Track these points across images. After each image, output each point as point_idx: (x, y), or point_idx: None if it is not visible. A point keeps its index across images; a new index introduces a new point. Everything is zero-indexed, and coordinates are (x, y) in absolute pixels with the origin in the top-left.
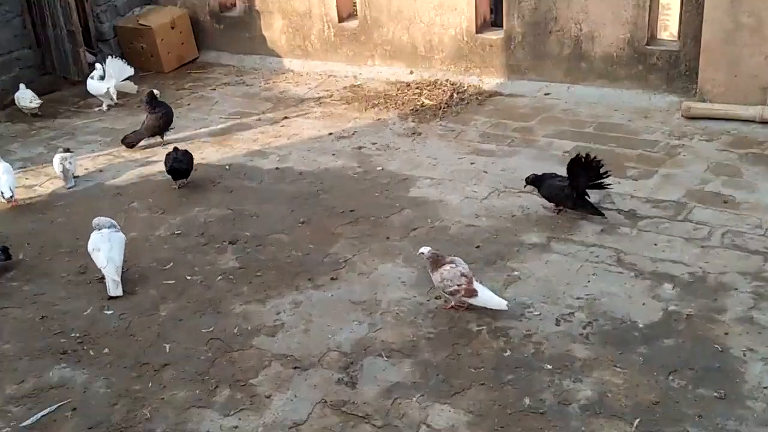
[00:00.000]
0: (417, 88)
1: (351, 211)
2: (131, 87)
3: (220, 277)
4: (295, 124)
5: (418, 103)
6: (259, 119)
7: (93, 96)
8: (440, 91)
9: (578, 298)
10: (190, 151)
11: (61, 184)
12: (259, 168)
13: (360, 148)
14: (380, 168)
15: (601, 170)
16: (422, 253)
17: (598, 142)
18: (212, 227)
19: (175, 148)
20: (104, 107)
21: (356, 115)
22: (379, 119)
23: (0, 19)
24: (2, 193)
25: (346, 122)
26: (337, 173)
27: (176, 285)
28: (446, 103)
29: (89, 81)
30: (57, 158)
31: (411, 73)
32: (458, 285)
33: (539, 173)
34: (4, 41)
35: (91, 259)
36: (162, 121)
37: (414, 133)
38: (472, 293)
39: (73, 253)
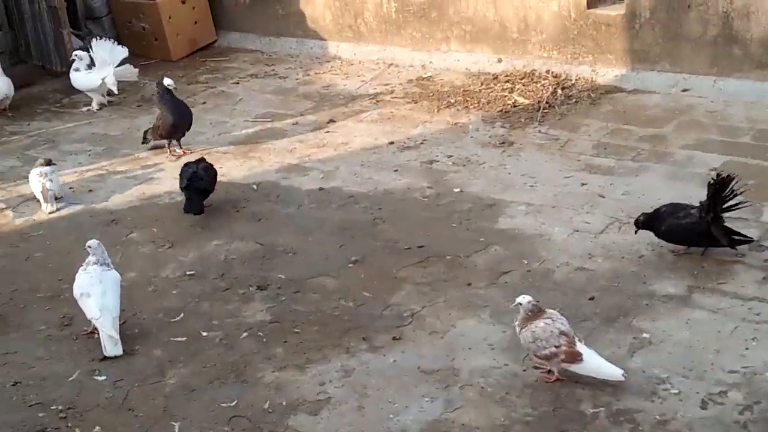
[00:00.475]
0: (507, 81)
1: (419, 247)
2: (131, 72)
3: (245, 334)
4: (345, 130)
5: (509, 101)
6: (297, 123)
7: (79, 92)
8: (539, 85)
9: (732, 372)
10: (209, 164)
11: (39, 207)
12: (296, 188)
13: (431, 162)
14: (458, 190)
15: (737, 189)
16: (519, 304)
17: (759, 155)
18: (235, 267)
19: (199, 160)
20: (94, 106)
21: (426, 118)
22: (456, 123)
23: None
24: None
25: (413, 127)
26: (400, 196)
27: (188, 343)
28: (547, 102)
29: (74, 74)
30: (34, 173)
31: (499, 61)
32: (556, 347)
33: (651, 209)
34: None
35: (78, 306)
36: (162, 125)
37: (504, 143)
38: (575, 358)
39: (54, 299)
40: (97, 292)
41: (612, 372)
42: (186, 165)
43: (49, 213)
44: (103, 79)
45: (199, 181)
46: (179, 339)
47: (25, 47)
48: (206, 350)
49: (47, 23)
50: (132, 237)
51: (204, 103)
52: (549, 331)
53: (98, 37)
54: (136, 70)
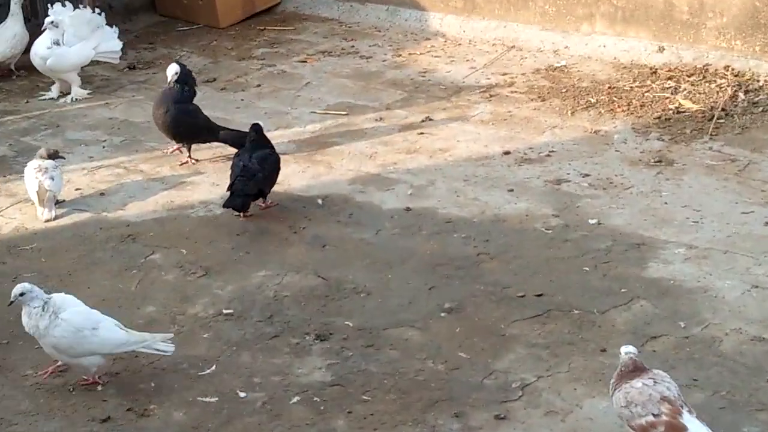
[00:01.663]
0: (670, 78)
1: (537, 296)
2: (114, 48)
3: (296, 399)
4: (444, 132)
5: (671, 105)
6: (381, 119)
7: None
8: (713, 86)
9: None
10: (271, 151)
11: (34, 212)
12: (375, 206)
13: (559, 181)
14: (595, 221)
15: None
16: (623, 354)
17: None
18: (288, 308)
19: (254, 141)
20: (78, 93)
21: (555, 122)
22: (596, 131)
23: None
24: None
25: (537, 134)
26: (515, 226)
27: (220, 406)
28: (723, 110)
29: (57, 50)
30: (31, 168)
31: (660, 50)
32: (654, 415)
33: None
34: None
35: None
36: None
37: (660, 161)
38: (678, 431)
39: None
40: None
41: None
42: (237, 155)
43: (46, 221)
44: (94, 50)
45: (246, 183)
46: (209, 399)
47: (31, 1)
48: (244, 416)
49: None
50: (153, 259)
51: (258, 86)
52: (647, 395)
53: (79, 3)
54: (120, 44)
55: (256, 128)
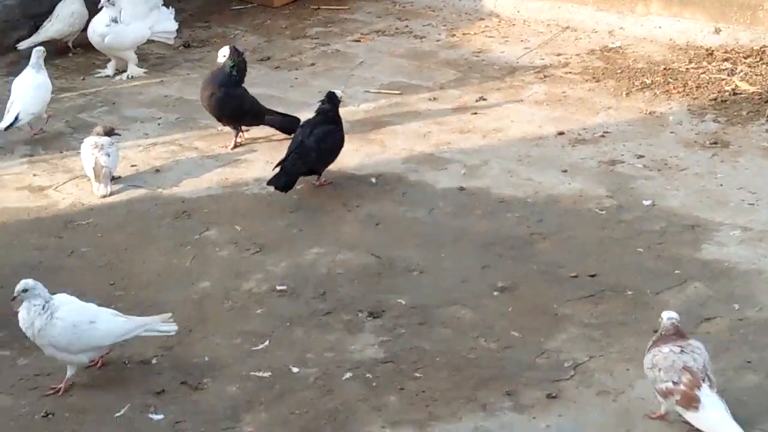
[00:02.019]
0: (726, 60)
1: (591, 276)
2: (170, 29)
3: (349, 374)
4: (498, 112)
5: (728, 87)
6: (435, 99)
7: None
8: None
9: None
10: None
11: (90, 188)
12: (429, 185)
13: (613, 162)
14: (649, 202)
15: None
16: (665, 319)
17: None
18: (341, 285)
19: (323, 113)
20: (134, 71)
21: (610, 103)
22: (651, 113)
23: None
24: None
25: (591, 114)
26: (568, 206)
27: (273, 381)
28: None
29: (114, 28)
30: (87, 144)
31: (717, 32)
32: (674, 382)
33: None
34: None
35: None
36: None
37: (716, 143)
38: (691, 403)
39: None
40: None
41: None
42: (301, 126)
43: (102, 196)
44: (150, 29)
45: (296, 161)
46: (261, 374)
47: None
48: (296, 391)
49: None
50: (208, 235)
51: (312, 64)
52: (671, 362)
53: None
54: (176, 24)
55: (331, 96)
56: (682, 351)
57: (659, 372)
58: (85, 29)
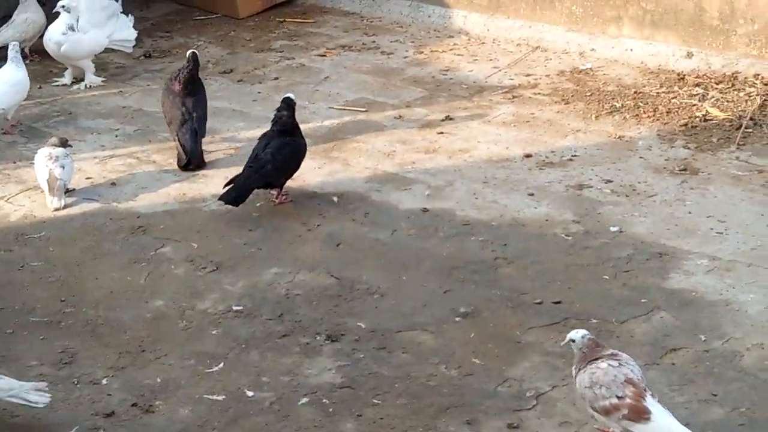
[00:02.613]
0: (698, 85)
1: (555, 303)
2: (129, 37)
3: (305, 400)
4: (465, 133)
5: (698, 113)
6: (400, 117)
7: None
8: (742, 94)
9: None
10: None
11: (44, 200)
12: (392, 206)
13: (581, 187)
14: (616, 229)
15: None
16: (572, 341)
17: None
18: (299, 307)
19: (279, 122)
20: (93, 80)
21: (578, 126)
22: (620, 137)
23: None
24: None
25: (559, 137)
26: (534, 230)
27: (227, 404)
28: (752, 119)
29: (71, 37)
30: (41, 155)
31: (689, 56)
32: (618, 397)
33: None
34: None
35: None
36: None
37: (685, 170)
38: (641, 415)
39: (52, 327)
40: None
41: None
42: (259, 138)
43: (56, 209)
44: (108, 38)
45: (252, 175)
46: (215, 397)
47: None
48: (251, 416)
49: None
50: (163, 252)
51: (276, 78)
52: (612, 376)
53: None
54: (134, 32)
55: (287, 101)
56: (619, 364)
57: (600, 389)
58: (42, 36)
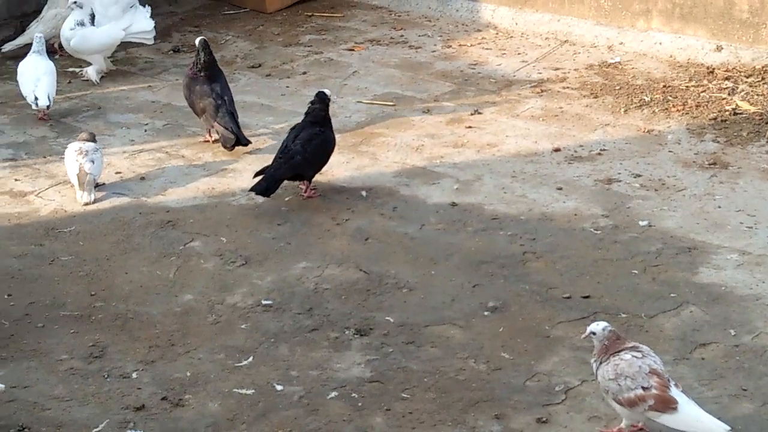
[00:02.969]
0: (727, 78)
1: (584, 297)
2: (146, 29)
3: (334, 394)
4: (494, 126)
5: (728, 107)
6: (428, 111)
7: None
8: None
9: None
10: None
11: (73, 194)
12: (420, 200)
13: (610, 181)
14: (645, 223)
15: None
16: (593, 333)
17: None
18: (328, 301)
19: (312, 114)
20: (93, 75)
21: (607, 120)
22: (649, 131)
23: None
24: (36, 99)
25: (588, 131)
26: (563, 224)
27: (256, 398)
28: None
29: (81, 31)
30: (71, 150)
31: (718, 49)
32: (644, 388)
33: None
34: None
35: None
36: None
37: (715, 164)
38: (668, 405)
39: (82, 321)
40: None
41: (714, 427)
42: (290, 130)
43: (85, 204)
44: (124, 30)
45: (282, 165)
46: (244, 391)
47: None
48: (279, 410)
49: None
50: (192, 246)
51: (304, 73)
52: (637, 367)
53: None
54: (152, 22)
55: (321, 96)
56: (643, 356)
57: (625, 380)
58: None
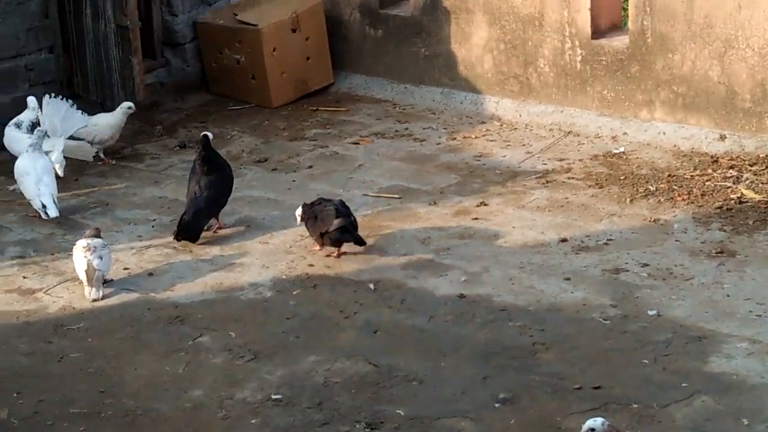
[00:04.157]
0: (732, 167)
1: (595, 388)
2: (87, 151)
3: None
4: (500, 218)
5: (733, 195)
6: (435, 203)
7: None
8: None
9: None
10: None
11: (82, 291)
12: (428, 292)
13: (617, 271)
14: (654, 312)
15: None
16: (592, 430)
17: None
18: (338, 395)
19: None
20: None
21: (613, 210)
22: (655, 220)
23: None
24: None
25: (594, 221)
26: (571, 315)
27: None
28: None
29: (9, 130)
30: (79, 247)
31: (722, 138)
32: None
33: None
34: (7, 35)
35: None
36: (208, 194)
37: (722, 252)
38: None
39: (92, 418)
40: None
41: None
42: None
43: (93, 300)
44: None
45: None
46: None
47: (82, 77)
48: None
49: (113, 48)
50: (201, 341)
51: (310, 167)
52: None
53: (51, 95)
54: (93, 149)
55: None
56: None
57: None
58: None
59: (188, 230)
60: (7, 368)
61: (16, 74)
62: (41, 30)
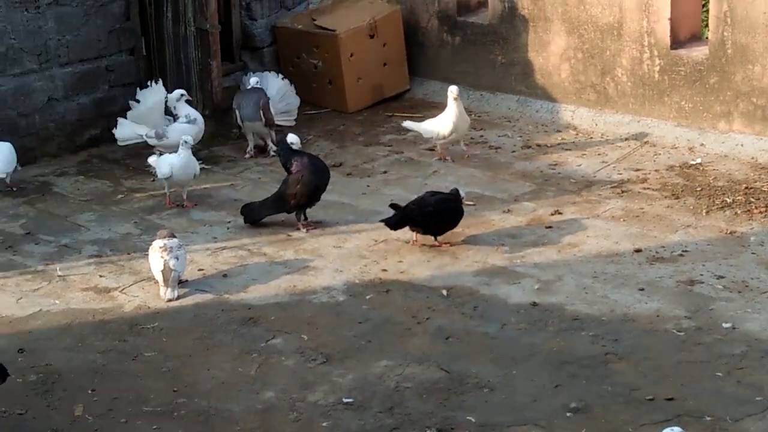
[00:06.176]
0: None
1: (667, 400)
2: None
3: None
4: (574, 227)
5: None
6: (509, 211)
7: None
8: None
9: None
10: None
11: (157, 291)
12: (500, 300)
13: (692, 282)
14: (729, 325)
15: None
16: None
17: None
18: (409, 400)
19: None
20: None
21: (689, 221)
22: (731, 232)
23: (90, 1)
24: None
25: (670, 232)
26: (645, 326)
27: None
28: None
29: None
30: (156, 247)
31: None
32: None
33: None
34: (89, 37)
35: None
36: (301, 189)
37: None
38: None
39: (166, 417)
40: None
41: None
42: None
43: (168, 300)
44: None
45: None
46: None
47: (160, 78)
48: None
49: (192, 51)
50: (274, 344)
51: (385, 172)
52: None
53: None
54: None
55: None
56: None
57: None
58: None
59: (247, 211)
60: (83, 365)
61: (98, 75)
62: (122, 32)
